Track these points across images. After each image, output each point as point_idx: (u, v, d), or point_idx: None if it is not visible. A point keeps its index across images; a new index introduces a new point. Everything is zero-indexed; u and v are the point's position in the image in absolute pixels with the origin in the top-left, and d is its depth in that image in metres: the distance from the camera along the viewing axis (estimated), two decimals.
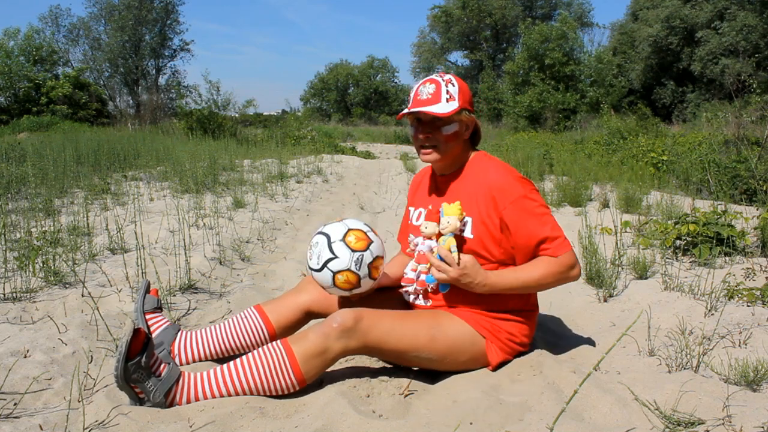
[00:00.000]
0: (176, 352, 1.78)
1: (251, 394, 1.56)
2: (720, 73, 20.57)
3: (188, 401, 1.53)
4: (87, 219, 3.40)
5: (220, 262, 3.08)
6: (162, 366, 1.52)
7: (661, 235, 3.25)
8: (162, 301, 2.18)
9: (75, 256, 2.84)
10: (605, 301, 2.50)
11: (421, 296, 1.80)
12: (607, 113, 13.62)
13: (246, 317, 1.83)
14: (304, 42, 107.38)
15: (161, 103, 25.70)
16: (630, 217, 4.37)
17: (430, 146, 1.72)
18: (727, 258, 2.97)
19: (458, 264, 1.61)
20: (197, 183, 5.69)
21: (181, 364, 1.78)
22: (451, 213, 1.66)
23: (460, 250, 1.67)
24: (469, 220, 1.70)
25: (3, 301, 2.22)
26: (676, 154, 7.32)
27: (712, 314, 2.09)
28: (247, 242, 3.69)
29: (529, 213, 1.65)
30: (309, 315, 1.88)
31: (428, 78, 1.74)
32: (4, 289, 2.29)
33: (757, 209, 3.94)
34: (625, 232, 3.86)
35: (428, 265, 1.71)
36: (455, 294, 1.73)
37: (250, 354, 1.59)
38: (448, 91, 1.69)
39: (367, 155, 14.44)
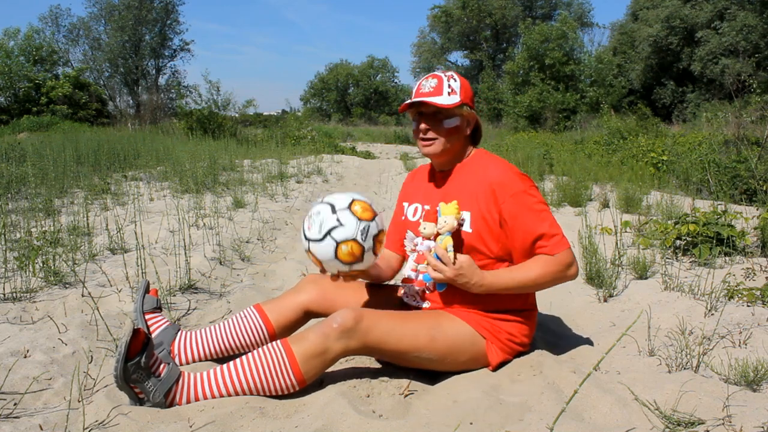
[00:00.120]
0: (176, 352, 1.78)
1: (251, 394, 1.56)
2: (720, 73, 20.57)
3: (188, 401, 1.53)
4: (87, 219, 3.40)
5: (220, 262, 3.08)
6: (162, 366, 1.52)
7: (661, 235, 3.25)
8: (162, 301, 2.18)
9: (75, 256, 2.84)
10: (605, 301, 2.50)
11: (419, 297, 1.80)
12: (607, 113, 13.62)
13: (245, 317, 1.83)
14: (304, 42, 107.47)
15: (161, 103, 25.70)
16: (630, 217, 4.37)
17: (431, 138, 1.72)
18: (727, 258, 2.97)
19: (454, 263, 1.61)
20: (197, 183, 5.69)
21: (181, 364, 1.78)
22: (448, 212, 1.65)
23: (458, 246, 1.67)
24: (467, 214, 1.70)
25: (3, 301, 2.22)
26: (676, 154, 7.32)
27: (712, 314, 2.09)
28: (247, 242, 3.69)
29: (528, 208, 1.66)
30: (308, 314, 1.88)
31: (430, 74, 1.76)
32: (4, 289, 2.29)
33: (757, 209, 3.94)
34: (625, 232, 3.86)
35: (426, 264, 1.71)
36: (453, 294, 1.73)
37: (249, 354, 1.59)
38: (450, 86, 1.71)
39: (367, 155, 14.45)
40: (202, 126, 13.64)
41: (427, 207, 1.81)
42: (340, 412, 1.47)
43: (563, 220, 4.24)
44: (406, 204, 1.92)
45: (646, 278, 2.74)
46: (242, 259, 3.29)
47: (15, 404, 1.49)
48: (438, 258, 1.63)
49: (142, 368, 1.47)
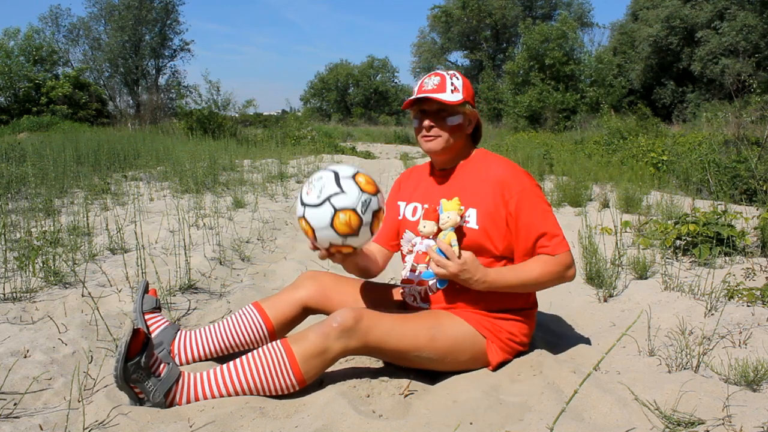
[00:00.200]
0: (176, 351, 1.78)
1: (251, 394, 1.56)
2: (720, 73, 20.57)
3: (188, 401, 1.53)
4: (87, 219, 3.40)
5: (220, 262, 3.08)
6: (162, 366, 1.52)
7: (661, 235, 3.25)
8: (162, 301, 2.18)
9: (75, 256, 2.84)
10: (605, 301, 2.50)
11: (419, 298, 1.79)
12: (607, 113, 13.62)
13: (244, 314, 1.83)
14: (304, 42, 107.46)
15: (161, 103, 25.70)
16: (630, 217, 4.37)
17: (434, 135, 1.72)
18: (727, 258, 2.97)
19: (459, 258, 1.60)
20: (197, 183, 5.69)
21: (181, 364, 1.78)
22: (450, 208, 1.65)
23: (461, 243, 1.66)
24: (474, 211, 1.70)
25: (3, 301, 2.22)
26: (676, 154, 7.32)
27: (712, 314, 2.09)
28: (247, 242, 3.69)
29: (534, 206, 1.68)
30: (307, 311, 1.88)
31: (432, 72, 1.76)
32: (4, 289, 2.29)
33: (757, 209, 3.94)
34: (625, 232, 3.86)
35: (426, 262, 1.69)
36: (455, 293, 1.73)
37: (249, 354, 1.58)
38: (453, 84, 1.71)
39: (367, 155, 14.46)
40: (202, 126, 13.65)
41: (426, 206, 1.80)
42: (340, 412, 1.47)
43: (563, 220, 4.24)
44: (402, 203, 1.89)
45: (646, 278, 2.74)
46: (242, 259, 3.29)
47: (15, 404, 1.49)
48: (441, 253, 1.62)
49: (142, 368, 1.47)
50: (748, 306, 2.13)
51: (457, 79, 1.73)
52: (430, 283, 1.73)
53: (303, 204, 1.53)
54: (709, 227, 3.01)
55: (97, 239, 3.33)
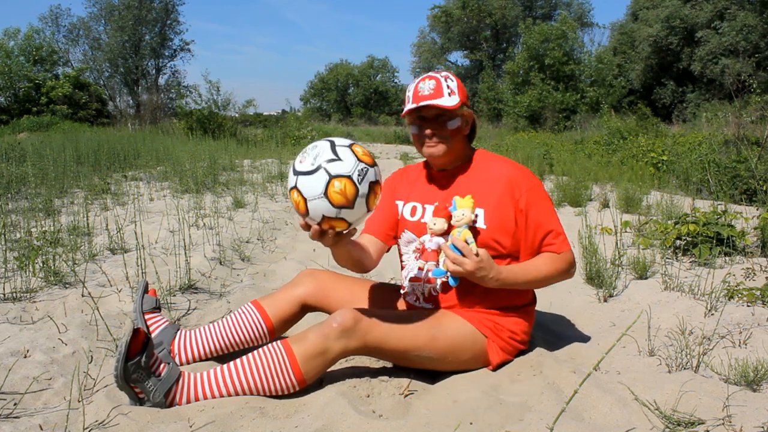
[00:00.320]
0: (176, 351, 1.78)
1: (251, 394, 1.56)
2: (720, 73, 20.57)
3: (188, 401, 1.53)
4: (87, 219, 3.40)
5: (220, 262, 3.08)
6: (162, 366, 1.52)
7: (661, 235, 3.25)
8: (162, 301, 2.18)
9: (75, 256, 2.84)
10: (605, 301, 2.50)
11: (422, 298, 1.79)
12: (607, 113, 13.62)
13: (244, 313, 1.83)
14: (304, 42, 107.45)
15: (161, 103, 25.70)
16: (630, 217, 4.37)
17: (437, 142, 1.70)
18: (727, 258, 2.97)
19: (477, 256, 1.58)
20: (197, 183, 5.69)
21: (181, 364, 1.78)
22: (464, 205, 1.63)
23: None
24: (481, 211, 1.70)
25: (3, 301, 2.22)
26: (676, 154, 7.32)
27: (712, 314, 2.09)
28: (247, 242, 3.69)
29: (542, 203, 1.71)
30: (305, 308, 1.87)
31: (425, 75, 1.73)
32: (4, 289, 2.29)
33: (757, 209, 3.94)
34: (625, 232, 3.86)
35: (437, 260, 1.66)
36: (460, 291, 1.72)
37: (250, 354, 1.58)
38: (448, 86, 1.69)
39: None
40: (202, 126, 13.65)
41: (427, 206, 1.79)
42: (340, 412, 1.47)
43: (563, 220, 4.20)
44: (400, 203, 1.87)
45: (646, 278, 2.74)
46: (242, 259, 3.29)
47: (15, 404, 1.49)
48: (456, 250, 1.59)
49: (142, 368, 1.47)
50: (748, 306, 2.13)
51: (452, 80, 1.71)
52: (441, 281, 1.69)
53: (296, 173, 1.41)
54: (709, 227, 3.01)
55: (97, 239, 3.33)
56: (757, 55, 19.72)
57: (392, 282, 2.34)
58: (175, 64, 47.84)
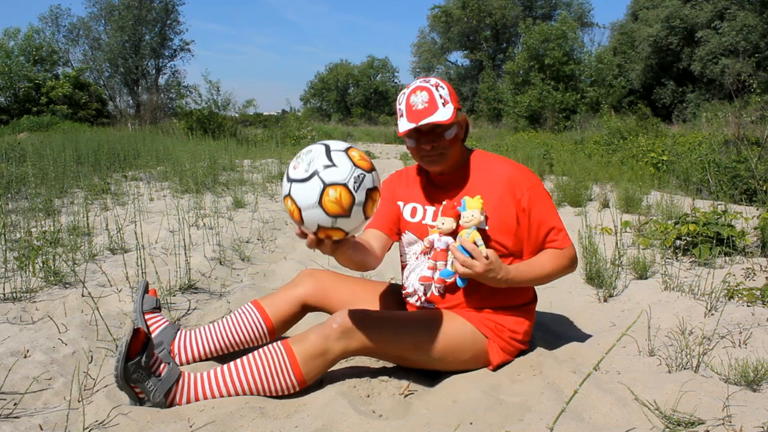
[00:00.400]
0: (176, 351, 1.78)
1: (251, 394, 1.56)
2: (720, 73, 20.57)
3: (188, 401, 1.53)
4: (87, 219, 3.40)
5: (220, 262, 3.08)
6: (162, 366, 1.52)
7: (661, 235, 3.25)
8: (162, 301, 2.18)
9: (75, 256, 2.84)
10: (605, 301, 2.50)
11: (424, 298, 1.78)
12: (607, 113, 13.62)
13: (244, 313, 1.83)
14: (304, 42, 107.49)
15: (161, 103, 25.70)
16: (630, 217, 4.37)
17: (437, 154, 1.68)
18: (727, 258, 2.97)
19: (486, 258, 1.57)
20: (197, 183, 5.69)
21: (182, 364, 1.78)
22: (474, 206, 1.62)
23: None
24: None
25: (3, 301, 2.22)
26: (676, 154, 7.32)
27: (712, 314, 2.09)
28: (247, 242, 3.69)
29: (543, 201, 1.72)
30: (305, 308, 1.87)
31: (415, 86, 1.66)
32: (4, 289, 2.29)
33: (757, 209, 3.94)
34: (625, 232, 3.86)
35: (447, 261, 1.66)
36: (464, 291, 1.72)
37: (250, 354, 1.59)
38: (441, 96, 1.64)
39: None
40: (202, 126, 13.66)
41: (428, 207, 1.79)
42: (340, 412, 1.47)
43: (563, 220, 4.23)
44: (401, 203, 1.86)
45: (646, 278, 2.74)
46: (242, 259, 3.29)
47: (15, 404, 1.49)
48: (465, 252, 1.58)
49: (142, 368, 1.47)
50: (748, 306, 2.13)
51: (443, 88, 1.66)
52: (449, 281, 1.69)
53: (289, 180, 1.34)
54: (709, 227, 3.01)
55: (97, 239, 3.33)
56: (757, 55, 19.72)
57: (392, 282, 2.34)
58: (175, 64, 47.85)
